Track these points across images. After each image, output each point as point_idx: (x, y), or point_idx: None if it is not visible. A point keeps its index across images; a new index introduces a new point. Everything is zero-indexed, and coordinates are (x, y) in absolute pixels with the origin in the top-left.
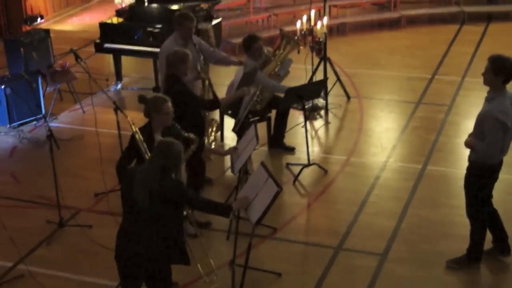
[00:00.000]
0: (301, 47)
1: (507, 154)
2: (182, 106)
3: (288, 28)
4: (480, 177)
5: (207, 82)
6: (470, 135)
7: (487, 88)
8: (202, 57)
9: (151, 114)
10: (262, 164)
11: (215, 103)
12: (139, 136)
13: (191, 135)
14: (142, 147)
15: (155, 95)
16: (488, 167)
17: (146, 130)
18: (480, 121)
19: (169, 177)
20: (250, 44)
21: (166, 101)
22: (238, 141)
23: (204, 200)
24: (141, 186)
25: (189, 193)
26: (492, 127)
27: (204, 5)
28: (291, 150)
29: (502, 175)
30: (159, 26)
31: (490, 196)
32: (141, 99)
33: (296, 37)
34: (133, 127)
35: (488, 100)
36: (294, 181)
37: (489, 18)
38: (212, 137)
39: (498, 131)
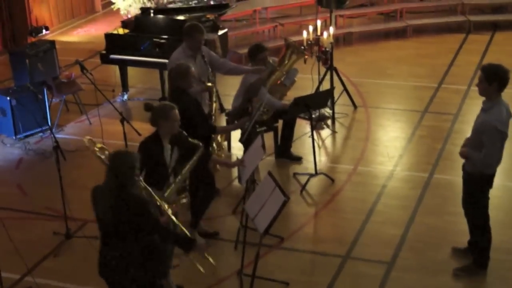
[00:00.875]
0: (307, 57)
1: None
2: (189, 118)
3: (294, 38)
4: (480, 187)
5: (214, 93)
6: (464, 145)
7: None
8: (210, 69)
9: (159, 122)
10: (269, 173)
11: (211, 129)
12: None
13: (197, 142)
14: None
15: (162, 102)
16: (487, 177)
17: (155, 139)
18: (478, 131)
19: (127, 191)
20: (256, 54)
21: (173, 108)
22: (245, 152)
23: (168, 230)
24: (102, 204)
25: (151, 216)
26: (491, 137)
27: (210, 16)
28: (298, 160)
29: (507, 183)
30: (165, 37)
31: (487, 203)
32: (148, 107)
33: (302, 47)
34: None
35: (484, 110)
36: (301, 191)
37: (494, 27)
38: (219, 147)
39: (497, 141)
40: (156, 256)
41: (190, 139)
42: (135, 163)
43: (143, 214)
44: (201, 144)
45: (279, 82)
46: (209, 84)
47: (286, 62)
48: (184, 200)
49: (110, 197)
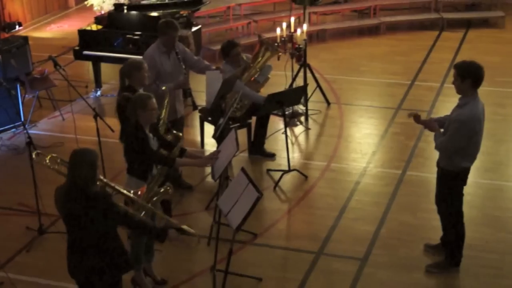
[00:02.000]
0: (280, 54)
1: (485, 159)
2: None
3: (268, 35)
4: (454, 184)
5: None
6: (430, 118)
7: None
8: (183, 66)
9: (137, 112)
10: (243, 170)
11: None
12: None
13: (178, 133)
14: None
15: (139, 93)
16: (461, 173)
17: (138, 128)
18: (449, 124)
19: (90, 190)
20: (229, 50)
21: (150, 98)
22: (217, 148)
23: (139, 219)
24: (64, 203)
25: (119, 209)
26: (456, 127)
27: (184, 12)
28: (271, 156)
29: (480, 180)
30: (138, 33)
31: (461, 200)
32: (126, 98)
33: (275, 44)
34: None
35: (459, 106)
36: (274, 187)
37: (468, 24)
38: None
39: (458, 135)
40: (115, 247)
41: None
42: (95, 160)
43: (110, 209)
44: (181, 134)
45: (252, 79)
46: (163, 88)
47: (260, 59)
48: (169, 189)
49: (72, 198)
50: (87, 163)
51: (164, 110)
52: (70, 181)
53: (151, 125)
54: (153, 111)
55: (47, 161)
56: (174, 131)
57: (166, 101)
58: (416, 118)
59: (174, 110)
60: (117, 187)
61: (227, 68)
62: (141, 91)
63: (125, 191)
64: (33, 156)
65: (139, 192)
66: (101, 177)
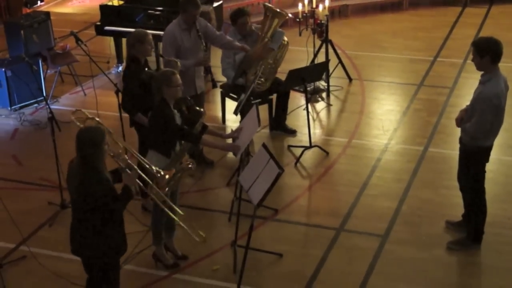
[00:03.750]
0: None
1: (508, 136)
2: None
3: (289, 11)
4: (477, 160)
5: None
6: (461, 111)
7: None
8: (204, 43)
9: (162, 88)
10: (264, 146)
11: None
12: None
13: (200, 109)
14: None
15: (162, 70)
16: (484, 150)
17: (165, 105)
18: (474, 102)
19: (92, 170)
20: (237, 17)
21: (174, 73)
22: (240, 123)
23: (119, 200)
24: (71, 180)
25: (107, 197)
26: (483, 108)
27: None
28: (292, 132)
29: (503, 156)
30: (160, 8)
31: (484, 177)
32: (150, 75)
33: (298, 19)
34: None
35: (482, 82)
36: (295, 163)
37: (491, 0)
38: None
39: (488, 113)
40: (116, 229)
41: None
42: (101, 140)
43: (100, 192)
44: (203, 110)
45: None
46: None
47: (268, 26)
48: (190, 166)
49: (77, 174)
50: (92, 143)
51: None
52: (78, 160)
53: (175, 101)
54: (178, 87)
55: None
56: (197, 108)
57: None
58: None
59: (194, 86)
60: (144, 162)
61: (232, 34)
62: (161, 67)
63: (150, 168)
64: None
65: (163, 173)
66: (125, 153)
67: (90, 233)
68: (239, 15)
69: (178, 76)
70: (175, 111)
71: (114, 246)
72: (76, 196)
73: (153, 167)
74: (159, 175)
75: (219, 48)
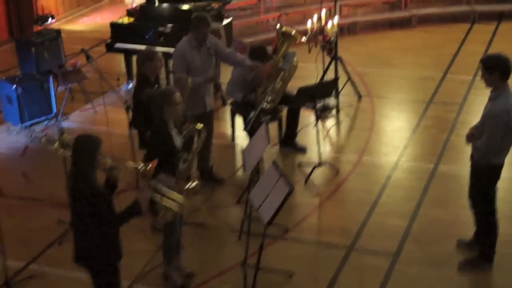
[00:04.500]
0: (311, 45)
1: None
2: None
3: (299, 28)
4: (488, 179)
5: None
6: (471, 128)
7: None
8: (214, 60)
9: (163, 107)
10: (274, 163)
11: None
12: None
13: (200, 125)
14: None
15: (163, 88)
16: (495, 168)
17: (163, 125)
18: (484, 119)
19: (84, 178)
20: (258, 56)
21: (174, 92)
22: (249, 141)
23: (117, 216)
24: (68, 187)
25: (100, 208)
26: (493, 125)
27: (215, 4)
28: (302, 150)
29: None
30: (170, 26)
31: (495, 195)
32: (149, 94)
33: (306, 36)
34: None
35: (491, 99)
36: (305, 181)
37: (500, 17)
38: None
39: (498, 129)
40: (112, 237)
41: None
42: (96, 147)
43: (94, 204)
44: (202, 126)
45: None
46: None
47: (280, 49)
48: (195, 183)
49: (73, 184)
50: (87, 149)
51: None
52: (72, 166)
53: (176, 120)
54: (179, 105)
55: (55, 146)
56: (197, 124)
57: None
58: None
59: (203, 103)
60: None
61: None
62: (171, 84)
63: (135, 165)
64: (42, 140)
65: (149, 165)
66: (109, 160)
67: (88, 238)
68: (262, 57)
69: (178, 94)
70: (175, 130)
71: (113, 251)
72: (71, 202)
73: (137, 165)
74: (145, 169)
75: (229, 65)
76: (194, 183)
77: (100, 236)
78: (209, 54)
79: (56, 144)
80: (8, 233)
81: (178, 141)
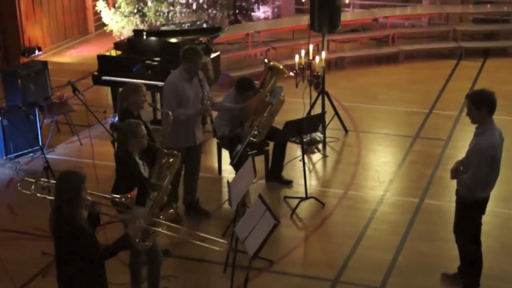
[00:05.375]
0: (298, 79)
1: (503, 188)
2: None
3: (286, 62)
4: (473, 213)
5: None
6: (456, 162)
7: None
8: (206, 92)
9: (129, 140)
10: (260, 197)
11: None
12: None
13: (173, 152)
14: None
15: (128, 121)
16: (480, 202)
17: (128, 156)
18: (470, 154)
19: (66, 214)
20: (244, 89)
21: (140, 125)
22: (235, 174)
23: (105, 249)
24: (51, 225)
25: (85, 246)
26: (479, 159)
27: (203, 38)
28: (288, 183)
29: (498, 209)
30: (157, 59)
31: (480, 229)
32: (114, 127)
33: (294, 71)
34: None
35: (477, 134)
36: (291, 214)
37: (486, 53)
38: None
39: (484, 164)
40: (98, 274)
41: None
42: (79, 184)
43: (77, 241)
44: (176, 152)
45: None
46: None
47: (268, 83)
48: (170, 211)
49: (58, 223)
50: (71, 187)
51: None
52: (55, 204)
53: (140, 151)
54: (143, 138)
55: (32, 188)
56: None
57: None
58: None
59: (193, 136)
60: (106, 195)
61: (232, 97)
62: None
63: (114, 197)
64: (18, 185)
65: (129, 195)
66: (88, 197)
67: (73, 279)
68: (247, 88)
69: (143, 127)
70: (140, 162)
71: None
72: (57, 247)
73: (117, 197)
74: (125, 199)
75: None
76: (170, 211)
77: (85, 273)
78: (201, 86)
79: (33, 191)
80: None
81: (145, 171)
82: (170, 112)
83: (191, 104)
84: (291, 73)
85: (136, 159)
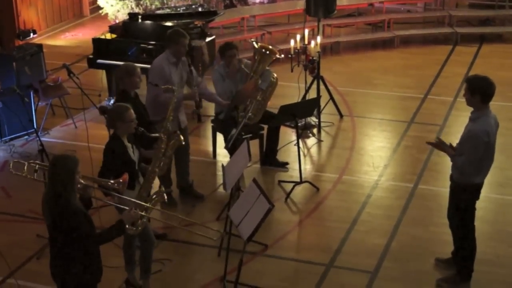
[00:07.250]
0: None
1: (498, 174)
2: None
3: (282, 47)
4: (467, 198)
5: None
6: (451, 146)
7: None
8: (195, 73)
9: (116, 124)
10: (254, 181)
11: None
12: None
13: (158, 135)
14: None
15: (116, 104)
16: (474, 187)
17: (116, 139)
18: (464, 139)
19: (64, 199)
20: (225, 50)
21: (128, 109)
22: (230, 158)
23: (100, 235)
24: (44, 209)
25: (83, 228)
26: (473, 145)
27: (198, 22)
28: (284, 165)
29: (493, 194)
30: (152, 42)
31: (474, 214)
32: (103, 110)
33: (290, 55)
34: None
35: (472, 120)
36: (286, 199)
37: (481, 39)
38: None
39: (478, 150)
40: (94, 257)
41: (149, 134)
42: (74, 167)
43: (75, 224)
44: (162, 135)
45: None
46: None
47: (257, 66)
48: (160, 192)
49: (50, 204)
50: (65, 170)
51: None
52: (49, 188)
53: (129, 135)
54: (132, 122)
55: (25, 169)
56: (151, 134)
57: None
58: (433, 144)
59: (178, 121)
60: (99, 180)
61: (220, 69)
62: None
63: (106, 181)
64: (10, 166)
65: (121, 180)
66: (81, 180)
67: (69, 262)
68: (227, 48)
69: (132, 111)
70: (129, 145)
71: (93, 273)
72: (52, 228)
73: (109, 181)
74: (117, 184)
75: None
76: (159, 192)
77: (80, 257)
78: (190, 71)
79: (25, 173)
80: None
81: (134, 154)
82: (174, 88)
83: (179, 87)
84: (282, 55)
85: (124, 142)
